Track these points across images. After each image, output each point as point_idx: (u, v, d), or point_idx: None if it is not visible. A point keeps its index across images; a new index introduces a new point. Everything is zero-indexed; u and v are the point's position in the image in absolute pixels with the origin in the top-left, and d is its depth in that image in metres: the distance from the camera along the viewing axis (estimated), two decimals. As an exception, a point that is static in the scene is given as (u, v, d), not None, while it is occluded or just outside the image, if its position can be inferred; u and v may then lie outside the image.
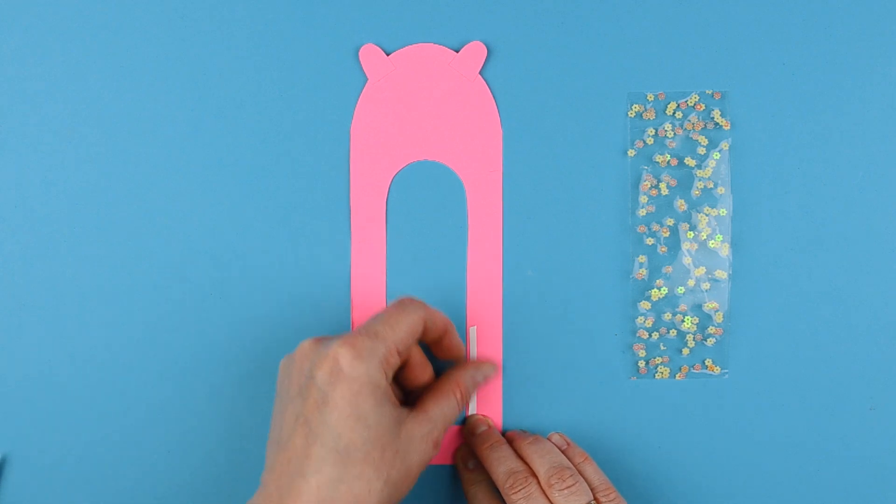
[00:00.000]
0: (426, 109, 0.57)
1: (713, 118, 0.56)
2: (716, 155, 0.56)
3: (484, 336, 0.57)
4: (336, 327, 0.57)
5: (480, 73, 0.57)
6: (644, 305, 0.56)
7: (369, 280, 0.57)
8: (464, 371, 0.54)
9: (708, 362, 0.57)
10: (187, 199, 0.57)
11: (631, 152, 0.56)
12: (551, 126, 0.57)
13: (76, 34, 0.57)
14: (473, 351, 0.56)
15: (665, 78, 0.57)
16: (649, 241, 0.57)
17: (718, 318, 0.56)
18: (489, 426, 0.56)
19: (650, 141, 0.57)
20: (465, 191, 0.57)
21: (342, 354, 0.48)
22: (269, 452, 0.50)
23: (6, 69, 0.57)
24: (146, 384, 0.57)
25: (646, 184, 0.56)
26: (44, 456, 0.57)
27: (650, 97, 0.56)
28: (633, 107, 0.56)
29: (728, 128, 0.56)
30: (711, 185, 0.56)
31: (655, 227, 0.57)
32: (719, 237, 0.56)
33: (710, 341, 0.57)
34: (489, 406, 0.57)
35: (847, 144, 0.57)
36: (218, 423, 0.57)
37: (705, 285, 0.56)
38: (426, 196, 0.58)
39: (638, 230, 0.56)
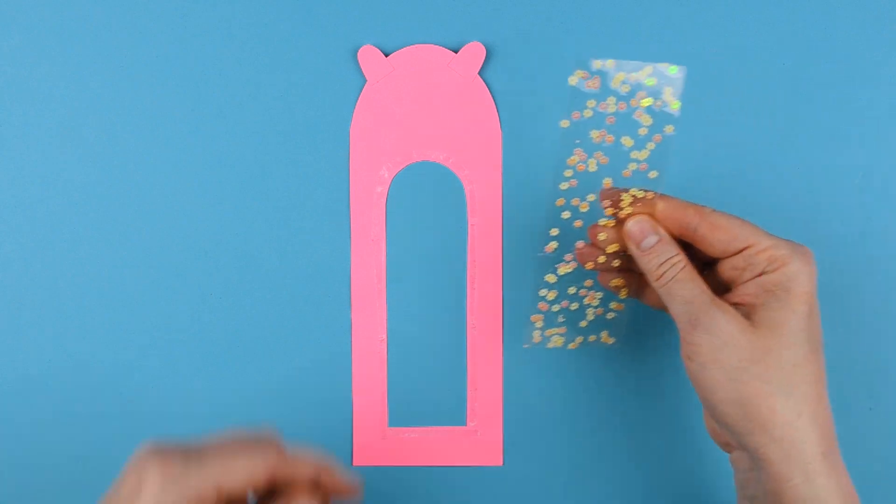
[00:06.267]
0: (425, 110, 0.57)
1: (662, 96, 0.51)
2: (657, 137, 0.52)
3: (484, 337, 0.57)
4: (336, 328, 0.57)
5: (479, 73, 0.57)
6: (549, 279, 0.55)
7: (369, 281, 0.57)
8: None
9: (604, 334, 0.56)
10: (187, 199, 0.57)
11: (565, 122, 0.53)
12: (550, 125, 0.57)
13: (76, 34, 0.57)
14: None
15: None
16: (565, 214, 0.54)
17: (623, 294, 0.53)
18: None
19: (588, 114, 0.52)
20: (464, 191, 0.57)
21: (148, 475, 0.41)
22: None
23: (6, 69, 0.57)
24: (145, 384, 0.57)
25: (574, 158, 0.53)
26: (42, 456, 0.57)
27: (597, 64, 0.51)
28: (576, 72, 0.52)
29: (676, 109, 0.51)
30: (645, 168, 0.52)
31: (575, 201, 0.53)
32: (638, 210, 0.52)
33: (610, 315, 0.55)
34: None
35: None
36: (219, 424, 0.57)
37: (616, 262, 0.52)
38: (426, 197, 0.58)
39: (556, 203, 0.54)
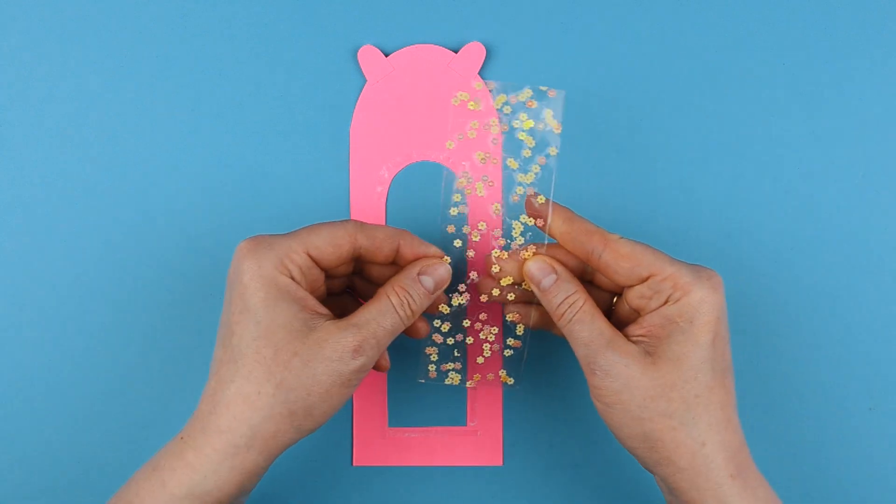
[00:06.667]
0: (425, 110, 0.57)
1: (544, 119, 0.52)
2: (541, 160, 0.52)
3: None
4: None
5: (479, 73, 0.57)
6: (443, 309, 0.53)
7: (369, 281, 0.57)
8: (405, 270, 0.50)
9: (502, 373, 0.55)
10: (188, 200, 0.57)
11: (450, 144, 0.53)
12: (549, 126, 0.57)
13: (76, 34, 0.57)
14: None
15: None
16: (457, 243, 0.53)
17: (519, 330, 0.53)
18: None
19: (472, 134, 0.53)
20: (464, 191, 0.57)
21: (240, 249, 0.47)
22: None
23: (6, 69, 0.57)
24: (146, 384, 0.57)
25: (461, 181, 0.53)
26: (42, 456, 0.57)
27: (479, 85, 0.52)
28: (458, 93, 0.52)
29: (559, 132, 0.52)
30: (533, 193, 0.51)
31: (466, 229, 0.53)
32: (532, 248, 0.51)
33: (508, 353, 0.54)
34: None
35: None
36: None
37: (511, 295, 0.52)
38: (426, 196, 0.58)
39: (447, 230, 0.53)
